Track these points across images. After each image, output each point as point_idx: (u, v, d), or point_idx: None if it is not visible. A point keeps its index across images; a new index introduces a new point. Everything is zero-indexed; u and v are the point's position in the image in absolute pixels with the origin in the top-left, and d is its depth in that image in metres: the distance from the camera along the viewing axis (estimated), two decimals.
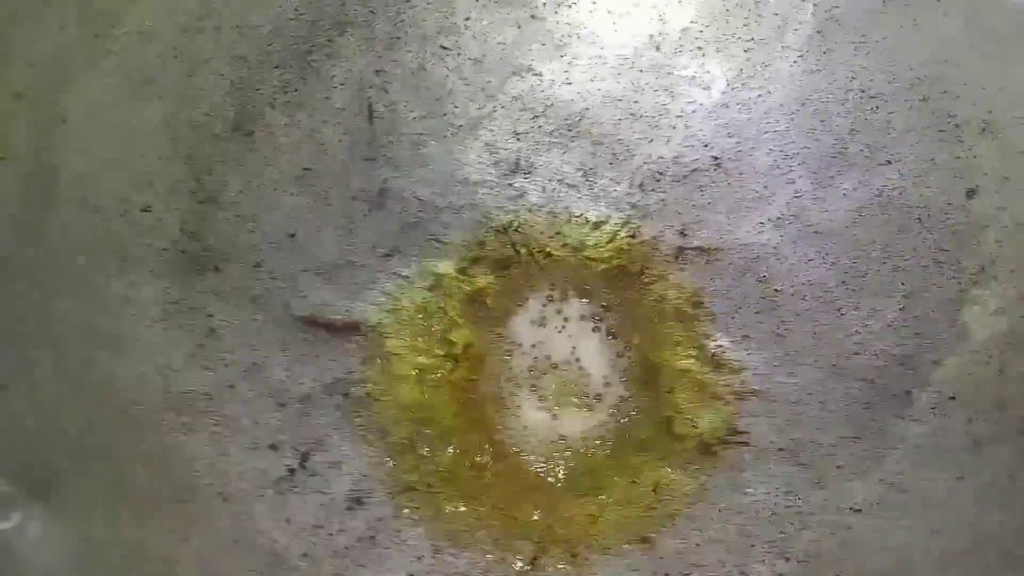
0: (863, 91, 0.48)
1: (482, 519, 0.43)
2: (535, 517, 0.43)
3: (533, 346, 0.48)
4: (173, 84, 0.44)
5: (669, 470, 0.45)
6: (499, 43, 0.52)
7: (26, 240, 0.37)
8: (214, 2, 0.44)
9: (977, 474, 0.39)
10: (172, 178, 0.44)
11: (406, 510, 0.43)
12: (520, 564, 0.42)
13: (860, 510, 0.41)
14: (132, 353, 0.40)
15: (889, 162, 0.47)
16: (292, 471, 0.43)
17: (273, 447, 0.43)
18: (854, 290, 0.47)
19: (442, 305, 0.49)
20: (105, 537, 0.35)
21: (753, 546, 0.42)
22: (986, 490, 0.38)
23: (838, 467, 0.43)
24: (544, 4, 0.52)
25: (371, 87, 0.51)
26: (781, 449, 0.45)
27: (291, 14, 0.47)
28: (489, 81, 0.53)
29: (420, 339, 0.48)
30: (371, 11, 0.50)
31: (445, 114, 0.52)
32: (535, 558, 0.42)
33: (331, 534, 0.41)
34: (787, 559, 0.41)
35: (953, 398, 0.41)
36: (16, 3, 0.36)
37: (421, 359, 0.48)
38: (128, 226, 0.41)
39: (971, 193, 0.44)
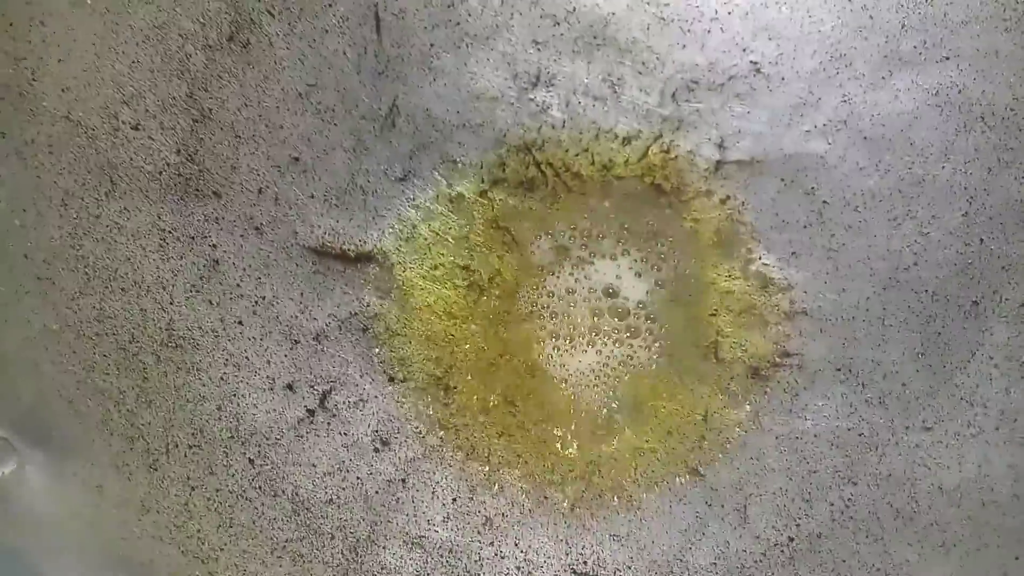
0: None
1: (520, 456, 0.40)
2: (575, 452, 0.40)
3: (567, 274, 0.45)
4: None
5: (719, 397, 0.42)
6: None
7: (7, 157, 0.33)
8: None
9: None
10: (164, 93, 0.39)
11: (437, 450, 0.40)
12: (565, 503, 0.39)
13: (931, 428, 0.38)
14: (129, 286, 0.36)
15: (947, 58, 0.43)
16: (311, 412, 0.39)
17: (289, 387, 0.39)
18: (911, 198, 0.43)
19: (463, 232, 0.45)
20: (114, 485, 0.31)
21: (815, 472, 0.39)
22: None
23: (903, 384, 0.40)
24: None
25: None
26: (839, 369, 0.42)
27: None
28: None
29: (440, 269, 0.45)
30: None
31: (458, 22, 0.48)
32: (579, 496, 0.40)
33: (359, 478, 0.38)
34: (855, 483, 0.38)
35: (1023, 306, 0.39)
36: None
37: (443, 290, 0.44)
38: (117, 145, 0.37)
39: None
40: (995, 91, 0.42)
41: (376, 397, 0.41)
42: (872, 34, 0.45)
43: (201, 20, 0.41)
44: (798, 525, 0.37)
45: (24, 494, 0.28)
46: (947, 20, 0.43)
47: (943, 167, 0.43)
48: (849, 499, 0.37)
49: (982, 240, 0.41)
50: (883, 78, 0.45)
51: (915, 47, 0.44)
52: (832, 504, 0.38)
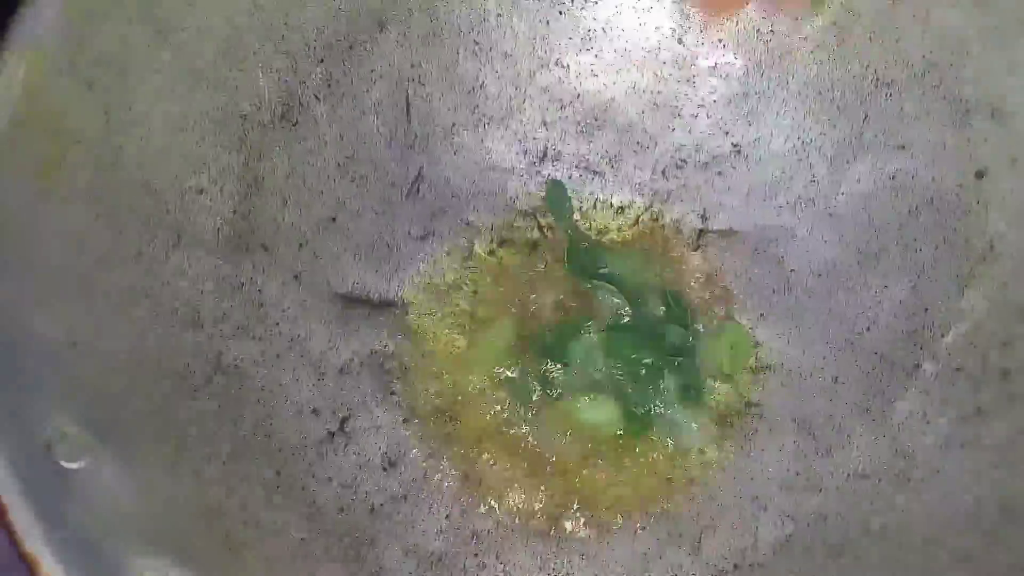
0: (877, 79, 0.49)
1: (509, 482, 0.46)
2: (559, 482, 0.46)
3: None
4: (225, 77, 0.47)
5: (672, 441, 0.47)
6: (528, 38, 0.55)
7: (96, 217, 0.41)
8: (262, 2, 0.47)
9: (979, 441, 0.40)
10: (224, 164, 0.47)
11: (437, 473, 0.46)
12: (544, 524, 0.44)
13: (867, 475, 0.42)
14: (188, 322, 0.43)
15: (902, 147, 0.48)
16: (332, 434, 0.45)
17: (315, 412, 0.46)
18: (868, 269, 0.48)
19: (472, 283, 0.52)
20: (165, 485, 0.38)
21: (764, 510, 0.43)
22: (986, 455, 0.40)
23: (847, 436, 0.44)
24: (572, 0, 0.54)
25: (408, 80, 0.53)
26: (794, 420, 0.46)
27: (334, 12, 0.50)
28: (518, 74, 0.55)
29: (451, 315, 0.51)
30: (408, 9, 0.52)
31: (477, 106, 0.55)
32: (557, 519, 0.45)
33: (367, 492, 0.44)
34: (796, 521, 0.42)
35: (959, 370, 0.43)
36: (90, 4, 0.40)
37: (452, 334, 0.50)
38: (185, 207, 0.45)
39: (980, 175, 0.45)
40: (943, 178, 0.46)
41: (388, 425, 0.47)
42: (839, 123, 0.51)
43: (257, 104, 0.48)
44: (743, 556, 0.42)
45: (92, 486, 0.35)
46: (903, 114, 0.48)
47: (896, 243, 0.47)
48: (789, 535, 0.42)
49: (926, 310, 0.45)
50: (847, 162, 0.50)
51: (875, 135, 0.49)
52: (775, 539, 0.42)
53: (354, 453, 0.45)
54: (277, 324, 0.47)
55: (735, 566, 0.42)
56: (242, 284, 0.47)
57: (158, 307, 0.43)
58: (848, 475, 0.43)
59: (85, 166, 0.41)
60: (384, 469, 0.45)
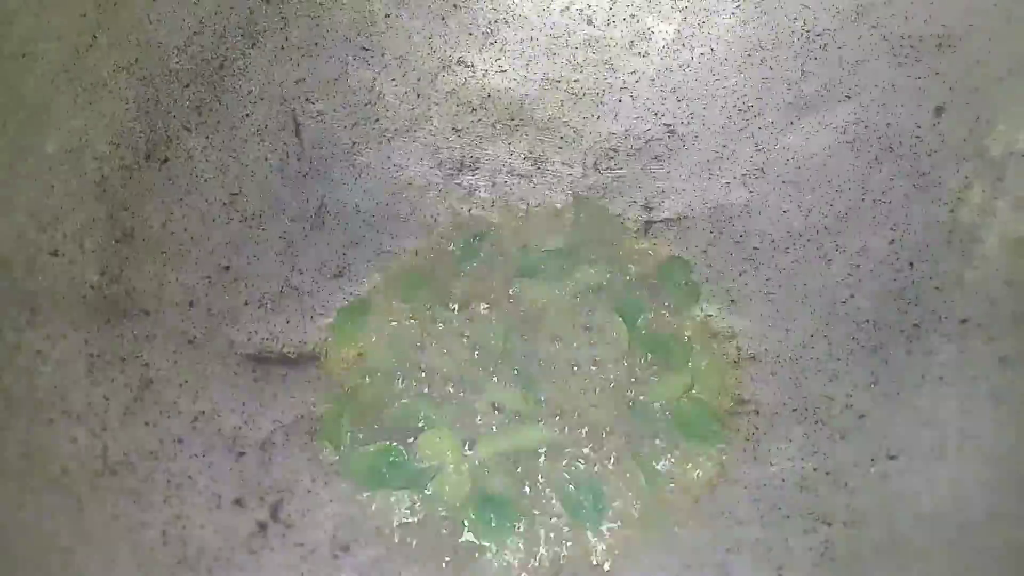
0: (807, 31, 0.45)
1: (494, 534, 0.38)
2: (547, 526, 0.38)
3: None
4: (69, 111, 0.38)
5: (679, 454, 0.40)
6: (424, 38, 0.49)
7: None
8: (107, 15, 0.39)
9: (1011, 393, 0.36)
10: (82, 216, 0.38)
11: (400, 547, 0.38)
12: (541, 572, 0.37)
13: (895, 456, 0.37)
14: (57, 416, 0.34)
15: (848, 97, 0.45)
16: (263, 525, 0.37)
17: (238, 502, 0.37)
18: (837, 233, 0.44)
19: (409, 318, 0.44)
20: None
21: (788, 517, 0.37)
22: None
23: (860, 416, 0.39)
24: None
25: (294, 98, 0.46)
26: (795, 410, 0.41)
27: (195, 27, 0.43)
28: (419, 79, 0.49)
29: (393, 359, 0.43)
30: (283, 17, 0.45)
31: (377, 119, 0.48)
32: (556, 568, 0.37)
33: None
34: (830, 524, 0.36)
35: (965, 321, 0.38)
36: None
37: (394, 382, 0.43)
38: (36, 272, 0.36)
39: (939, 111, 0.42)
40: (898, 122, 0.43)
41: (331, 501, 0.38)
42: (774, 83, 0.47)
43: (115, 141, 0.40)
44: (780, 574, 0.36)
45: None
46: (843, 62, 0.45)
47: (863, 200, 0.43)
48: (826, 541, 0.36)
49: (912, 264, 0.41)
50: (791, 123, 0.46)
51: (817, 90, 0.45)
52: (811, 548, 0.36)
53: (295, 544, 0.37)
54: (174, 402, 0.38)
55: None
56: (122, 359, 0.37)
57: (14, 401, 0.33)
58: (873, 459, 0.37)
59: None
60: (335, 556, 0.37)
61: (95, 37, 0.39)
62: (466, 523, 0.38)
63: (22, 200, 0.36)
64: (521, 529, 0.38)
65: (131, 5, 0.41)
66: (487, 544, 0.38)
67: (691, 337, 0.44)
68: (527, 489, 0.40)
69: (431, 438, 0.39)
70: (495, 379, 0.41)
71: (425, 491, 0.38)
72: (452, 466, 0.39)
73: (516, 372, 0.41)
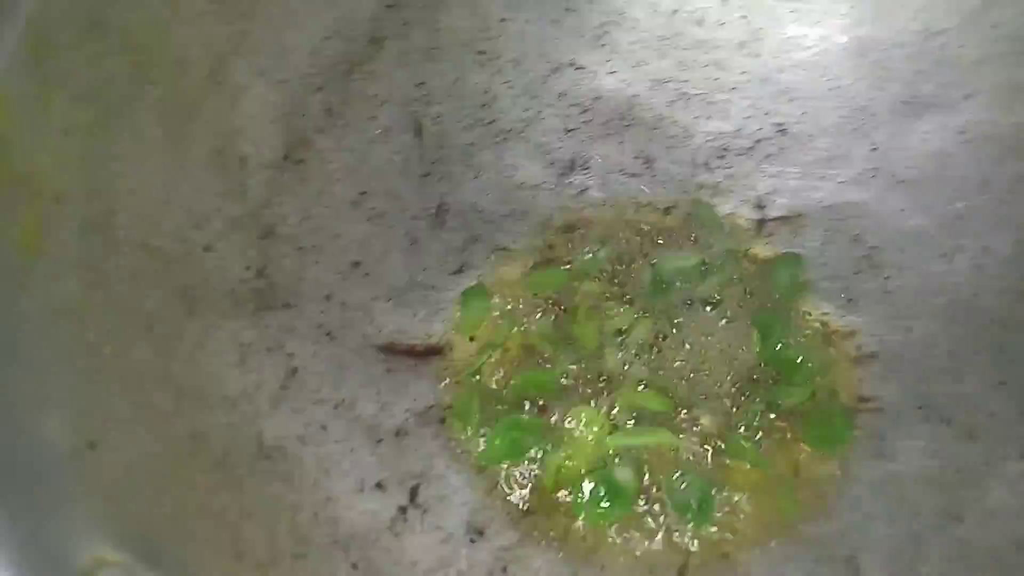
0: (925, 29, 0.46)
1: (618, 531, 0.39)
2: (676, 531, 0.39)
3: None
4: (217, 114, 0.40)
5: (805, 450, 0.41)
6: (537, 41, 0.50)
7: (93, 287, 0.33)
8: (248, 24, 0.41)
9: None
10: (230, 213, 0.40)
11: (534, 534, 0.39)
12: (672, 572, 0.38)
13: None
14: (216, 402, 0.36)
15: (968, 96, 0.45)
16: (403, 509, 0.38)
17: (379, 486, 0.38)
18: (958, 232, 0.44)
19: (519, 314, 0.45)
20: None
21: (918, 514, 0.38)
22: None
23: (990, 415, 0.39)
24: None
25: (415, 101, 0.48)
26: (919, 408, 0.41)
27: (326, 33, 0.45)
28: (531, 81, 0.50)
29: (507, 351, 0.44)
30: (405, 23, 0.47)
31: (492, 120, 0.50)
32: (684, 565, 0.38)
33: (459, 572, 0.37)
34: (962, 521, 0.37)
35: None
36: (57, 34, 0.33)
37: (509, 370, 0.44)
38: (192, 267, 0.38)
39: None
40: (1021, 122, 0.43)
41: (463, 487, 0.40)
42: (889, 84, 0.47)
43: (256, 143, 0.42)
44: (913, 570, 0.36)
45: None
46: (961, 62, 0.45)
47: (985, 199, 0.43)
48: (961, 538, 0.36)
49: None
50: (908, 122, 0.46)
51: (934, 90, 0.46)
52: (945, 545, 0.36)
53: (434, 527, 0.38)
54: (317, 390, 0.40)
55: None
56: (269, 349, 0.39)
57: (180, 388, 0.35)
58: (1004, 457, 0.37)
59: (71, 229, 0.34)
60: (472, 540, 0.38)
61: (238, 44, 0.41)
62: (580, 500, 0.39)
63: (177, 198, 0.38)
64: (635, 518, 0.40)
65: (269, 15, 0.43)
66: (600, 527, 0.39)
67: (809, 337, 0.44)
68: (645, 481, 0.41)
69: (582, 409, 0.40)
70: (627, 374, 0.42)
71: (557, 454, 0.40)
72: (593, 438, 0.40)
73: (646, 370, 0.42)
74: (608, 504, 0.39)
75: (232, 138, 0.41)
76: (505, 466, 0.41)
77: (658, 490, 0.40)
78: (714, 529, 0.39)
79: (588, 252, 0.47)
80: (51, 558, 0.26)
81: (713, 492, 0.40)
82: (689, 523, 0.39)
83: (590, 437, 0.40)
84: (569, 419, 0.41)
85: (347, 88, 0.46)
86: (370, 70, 0.46)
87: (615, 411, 0.41)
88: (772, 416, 0.41)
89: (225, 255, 0.39)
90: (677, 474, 0.40)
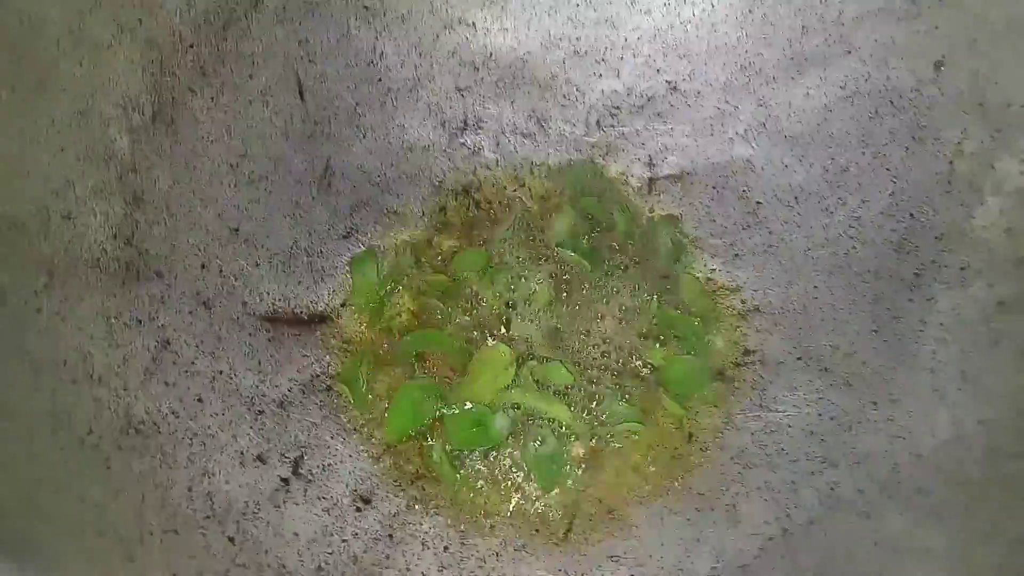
0: None
1: (504, 498, 0.39)
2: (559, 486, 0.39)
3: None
4: (76, 74, 0.38)
5: (688, 404, 0.42)
6: None
7: None
8: None
9: (1008, 336, 0.37)
10: (93, 179, 0.38)
11: (421, 500, 0.39)
12: (559, 532, 0.38)
13: (897, 400, 0.39)
14: (80, 377, 0.35)
15: (848, 52, 0.45)
16: (286, 481, 0.38)
17: (260, 458, 0.38)
18: (839, 186, 0.45)
19: (412, 279, 0.45)
20: None
21: (795, 460, 0.39)
22: None
23: (863, 363, 0.40)
24: None
25: (296, 59, 0.46)
26: (799, 359, 0.42)
27: None
28: (421, 38, 0.49)
29: (397, 319, 0.44)
30: None
31: (380, 78, 0.48)
32: (570, 523, 0.39)
33: (345, 540, 0.37)
34: (836, 466, 0.38)
35: (965, 268, 0.40)
36: None
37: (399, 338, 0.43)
38: (52, 236, 0.36)
39: (939, 65, 0.43)
40: (898, 76, 0.44)
41: (350, 456, 0.39)
42: (776, 40, 0.47)
43: (122, 103, 0.40)
44: (788, 516, 0.37)
45: None
46: (842, 18, 0.45)
47: (863, 153, 0.44)
48: (833, 482, 0.37)
49: (912, 215, 0.42)
50: (792, 79, 0.47)
51: (817, 46, 0.46)
52: (818, 489, 0.38)
53: (318, 498, 0.38)
54: (192, 362, 0.39)
55: (783, 530, 0.37)
56: (139, 321, 0.38)
57: (38, 363, 0.34)
58: (876, 403, 0.39)
59: None
60: (358, 509, 0.38)
61: (98, 0, 0.39)
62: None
63: (34, 164, 0.36)
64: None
65: None
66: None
67: (696, 294, 0.45)
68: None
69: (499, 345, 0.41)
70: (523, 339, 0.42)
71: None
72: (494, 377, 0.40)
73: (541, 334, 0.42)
74: (475, 433, 0.40)
75: (94, 100, 0.39)
76: (412, 433, 0.40)
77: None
78: (570, 484, 0.39)
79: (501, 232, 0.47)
80: None
81: (564, 453, 0.40)
82: (535, 482, 0.39)
83: (494, 375, 0.40)
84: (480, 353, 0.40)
85: (223, 46, 0.44)
86: (247, 27, 0.44)
87: (520, 371, 0.41)
88: (648, 373, 0.42)
89: (88, 223, 0.37)
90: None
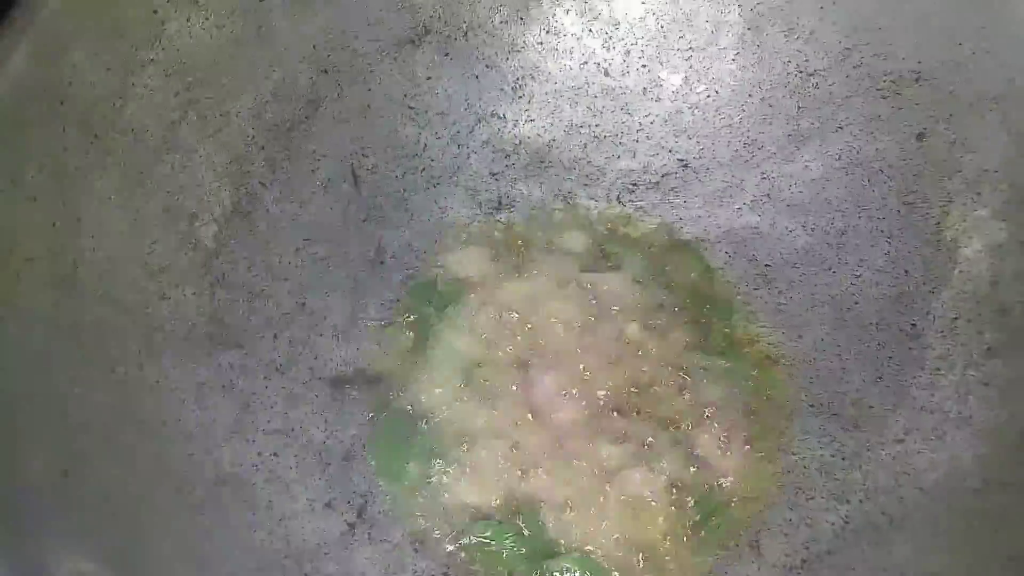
0: (801, 71, 0.52)
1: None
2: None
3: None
4: (168, 176, 0.45)
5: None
6: (461, 96, 0.55)
7: (63, 339, 0.37)
8: (195, 94, 0.46)
9: (1000, 377, 0.41)
10: (183, 265, 0.44)
11: (472, 541, 0.43)
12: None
13: (902, 440, 0.42)
14: (176, 436, 0.40)
15: (840, 127, 0.51)
16: (352, 525, 0.42)
17: (329, 505, 0.42)
18: (839, 248, 0.50)
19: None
20: None
21: (811, 499, 0.43)
22: (1011, 388, 0.40)
23: (869, 407, 0.44)
24: (496, 53, 0.55)
25: (351, 155, 0.53)
26: (811, 405, 0.46)
27: (267, 97, 0.49)
28: (458, 131, 0.55)
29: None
30: (339, 84, 0.52)
31: (423, 167, 0.54)
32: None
33: None
34: (848, 501, 0.42)
35: (956, 318, 0.44)
36: (25, 112, 0.38)
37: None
38: (150, 314, 0.42)
39: (921, 136, 0.48)
40: (886, 147, 0.49)
41: (405, 503, 0.44)
42: (775, 119, 0.53)
43: (204, 199, 0.47)
44: (807, 548, 0.41)
45: None
46: (833, 97, 0.51)
47: (859, 217, 0.49)
48: (846, 516, 0.41)
49: (906, 271, 0.47)
50: (792, 153, 0.52)
51: (812, 123, 0.52)
52: (832, 523, 0.41)
53: (380, 540, 0.42)
54: (268, 421, 0.44)
55: (803, 561, 0.40)
56: (223, 386, 0.43)
57: (141, 424, 0.39)
58: (883, 443, 0.43)
59: (40, 286, 0.38)
60: (416, 550, 0.42)
61: (186, 113, 0.46)
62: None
63: (135, 254, 0.42)
64: None
65: (214, 83, 0.47)
66: None
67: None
68: None
69: None
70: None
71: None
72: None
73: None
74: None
75: (182, 197, 0.45)
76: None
77: None
78: None
79: None
80: (34, 570, 0.29)
81: None
82: None
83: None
84: None
85: (288, 145, 0.50)
86: (309, 129, 0.51)
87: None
88: None
89: (180, 302, 0.43)
90: None
